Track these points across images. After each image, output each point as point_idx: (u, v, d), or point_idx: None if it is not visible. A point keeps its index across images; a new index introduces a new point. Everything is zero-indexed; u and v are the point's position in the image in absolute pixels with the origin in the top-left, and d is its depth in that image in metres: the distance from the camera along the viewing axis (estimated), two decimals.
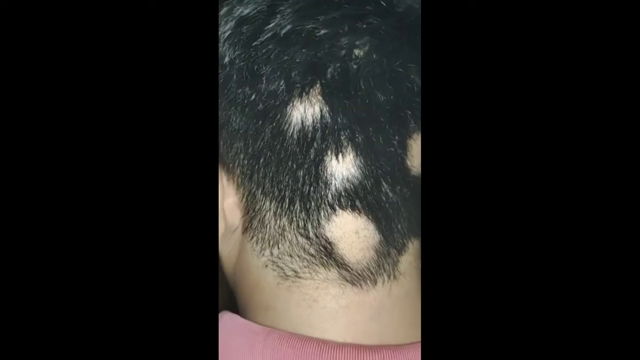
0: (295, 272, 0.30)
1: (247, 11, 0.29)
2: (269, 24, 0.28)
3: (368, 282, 0.30)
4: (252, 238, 0.31)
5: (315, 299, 0.30)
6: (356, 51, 0.28)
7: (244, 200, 0.30)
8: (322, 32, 0.28)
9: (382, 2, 0.29)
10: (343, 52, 0.28)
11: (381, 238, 0.30)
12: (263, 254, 0.31)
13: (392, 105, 0.28)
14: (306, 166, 0.28)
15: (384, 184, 0.29)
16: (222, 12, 0.31)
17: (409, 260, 0.31)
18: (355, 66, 0.28)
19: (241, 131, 0.29)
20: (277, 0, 0.29)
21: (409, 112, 0.29)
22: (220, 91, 0.30)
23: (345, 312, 0.30)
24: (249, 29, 0.29)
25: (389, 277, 0.30)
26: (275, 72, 0.28)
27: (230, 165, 0.31)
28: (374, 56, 0.28)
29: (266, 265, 0.31)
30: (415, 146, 0.29)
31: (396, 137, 0.29)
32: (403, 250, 0.30)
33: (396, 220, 0.30)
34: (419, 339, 0.30)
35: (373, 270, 0.30)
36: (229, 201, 0.31)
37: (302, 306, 0.30)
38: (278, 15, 0.28)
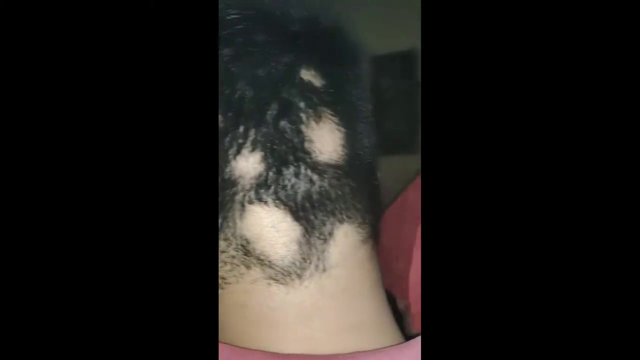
0: (224, 278, 0.30)
1: None
2: None
3: (294, 277, 0.29)
4: None
5: (245, 304, 0.30)
6: (237, 62, 0.29)
7: None
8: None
9: (264, 20, 0.30)
10: (226, 59, 0.29)
11: (302, 229, 0.29)
12: None
13: (279, 98, 0.29)
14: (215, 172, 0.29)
15: (285, 171, 0.29)
16: None
17: (342, 251, 0.30)
18: (234, 69, 0.29)
19: None
20: None
21: (302, 103, 0.29)
22: None
23: (275, 315, 0.29)
24: None
25: (316, 269, 0.30)
26: None
27: None
28: (253, 59, 0.29)
29: None
30: (319, 133, 0.30)
31: (289, 126, 0.29)
32: (329, 239, 0.30)
33: (311, 207, 0.29)
34: (357, 349, 0.29)
35: (298, 264, 0.29)
36: None
37: (234, 314, 0.30)
38: None
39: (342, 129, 0.31)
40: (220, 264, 0.30)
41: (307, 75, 0.30)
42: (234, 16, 0.30)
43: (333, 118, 0.30)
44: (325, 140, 0.30)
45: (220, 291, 0.30)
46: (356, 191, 0.31)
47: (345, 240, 0.30)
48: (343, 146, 0.31)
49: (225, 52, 0.29)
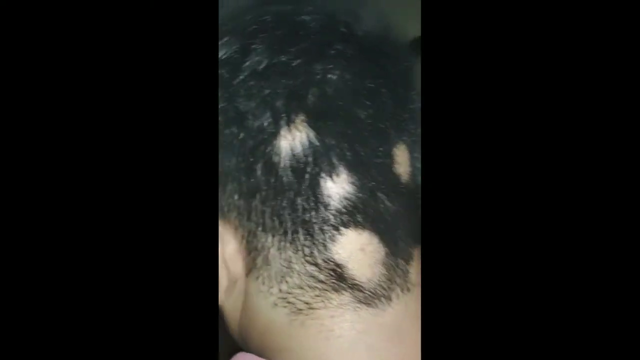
0: (308, 304, 0.29)
1: (221, 54, 0.30)
2: (245, 62, 0.29)
3: (382, 299, 0.29)
4: (257, 278, 0.30)
5: (331, 329, 0.29)
6: (329, 75, 0.29)
7: (244, 242, 0.30)
8: (297, 62, 0.29)
9: (342, 29, 0.30)
10: (318, 77, 0.29)
11: (387, 250, 0.29)
12: (271, 293, 0.29)
13: (372, 119, 0.29)
14: (303, 193, 0.28)
15: (379, 194, 0.29)
16: None
17: (417, 270, 0.31)
18: (330, 89, 0.29)
19: (233, 172, 0.29)
20: (247, 39, 0.29)
21: (388, 124, 0.30)
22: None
23: (363, 337, 0.29)
24: (227, 70, 0.29)
25: (402, 290, 0.30)
26: (259, 107, 0.28)
27: (225, 209, 0.30)
28: (347, 77, 0.29)
29: (276, 304, 0.29)
30: (400, 155, 0.30)
31: (380, 149, 0.29)
32: (410, 260, 0.30)
33: (398, 229, 0.30)
34: None
35: (385, 286, 0.29)
36: (229, 249, 0.30)
37: (319, 339, 0.29)
38: (252, 53, 0.29)
39: (409, 151, 0.31)
40: (305, 289, 0.29)
41: (386, 96, 0.30)
42: (313, 24, 0.30)
43: (407, 140, 0.31)
44: (402, 161, 0.30)
45: (301, 317, 0.29)
46: (417, 212, 0.31)
47: (418, 260, 0.31)
48: (410, 167, 0.31)
49: (318, 67, 0.29)
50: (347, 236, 0.29)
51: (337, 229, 0.29)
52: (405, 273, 0.30)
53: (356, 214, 0.29)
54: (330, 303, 0.29)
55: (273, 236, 0.29)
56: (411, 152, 0.31)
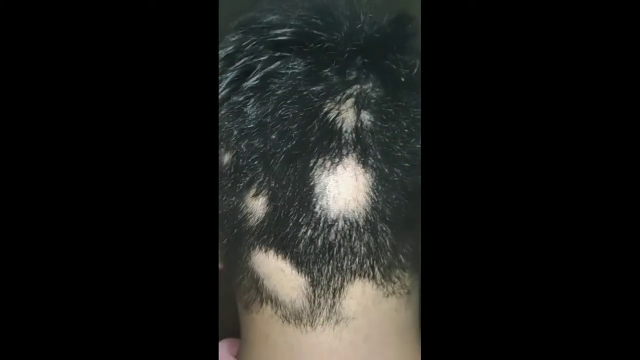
0: (247, 304, 0.31)
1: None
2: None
3: (306, 323, 0.29)
4: None
5: (267, 334, 0.30)
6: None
7: None
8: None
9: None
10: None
11: (306, 279, 0.29)
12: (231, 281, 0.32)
13: (299, 139, 0.28)
14: (230, 204, 0.29)
15: (290, 221, 0.28)
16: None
17: (356, 303, 0.29)
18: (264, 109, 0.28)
19: None
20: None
21: (314, 147, 0.28)
22: None
23: (292, 351, 0.29)
24: None
25: (327, 320, 0.29)
26: None
27: None
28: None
29: (235, 293, 0.32)
30: (331, 184, 0.28)
31: (296, 175, 0.28)
32: (339, 294, 0.29)
33: (316, 261, 0.28)
34: None
35: (308, 312, 0.29)
36: None
37: (260, 340, 0.31)
38: None
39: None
40: (243, 290, 0.31)
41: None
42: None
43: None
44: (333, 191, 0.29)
45: (248, 314, 0.31)
46: (355, 247, 0.29)
47: (364, 294, 0.29)
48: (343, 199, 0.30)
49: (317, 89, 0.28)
50: (264, 254, 0.29)
51: (252, 246, 0.29)
52: (332, 306, 0.29)
53: (265, 236, 0.29)
54: (263, 311, 0.30)
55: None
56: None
